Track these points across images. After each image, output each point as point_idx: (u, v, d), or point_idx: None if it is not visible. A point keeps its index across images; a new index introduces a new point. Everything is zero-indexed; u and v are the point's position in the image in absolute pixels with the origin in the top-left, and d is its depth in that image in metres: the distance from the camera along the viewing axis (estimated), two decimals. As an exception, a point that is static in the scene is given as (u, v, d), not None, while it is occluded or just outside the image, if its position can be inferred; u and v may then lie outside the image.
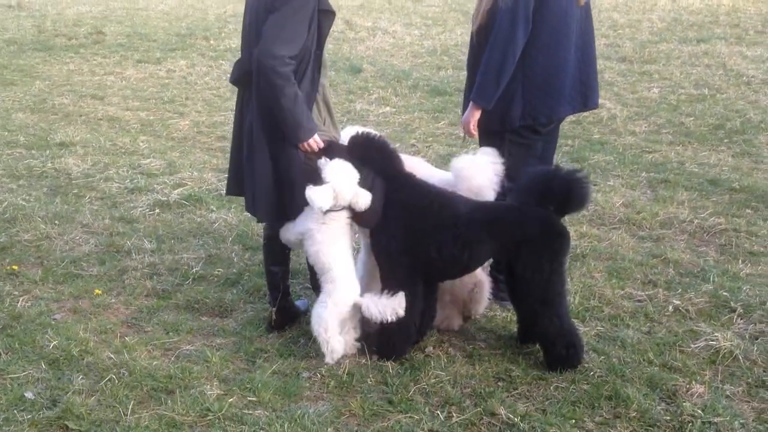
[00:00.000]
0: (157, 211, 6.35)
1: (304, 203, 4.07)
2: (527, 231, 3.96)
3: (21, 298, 4.81)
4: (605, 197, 6.51)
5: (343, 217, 4.12)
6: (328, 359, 4.10)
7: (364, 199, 4.02)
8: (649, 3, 17.00)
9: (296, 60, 3.96)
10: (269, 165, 4.12)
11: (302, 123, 4.02)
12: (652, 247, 5.59)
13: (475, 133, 4.58)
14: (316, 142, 4.10)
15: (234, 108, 4.44)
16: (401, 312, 3.95)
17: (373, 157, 4.09)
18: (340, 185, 3.96)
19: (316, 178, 4.05)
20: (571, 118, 8.91)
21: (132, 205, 6.47)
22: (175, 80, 11.47)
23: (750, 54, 11.76)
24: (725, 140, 8.05)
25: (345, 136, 4.30)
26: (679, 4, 16.68)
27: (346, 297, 4.10)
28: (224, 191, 4.87)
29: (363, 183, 4.04)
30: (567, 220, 5.86)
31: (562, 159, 7.52)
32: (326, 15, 4.08)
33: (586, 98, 4.70)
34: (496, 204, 4.22)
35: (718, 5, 16.35)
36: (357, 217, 4.13)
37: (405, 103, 9.97)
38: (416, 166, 4.48)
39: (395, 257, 4.09)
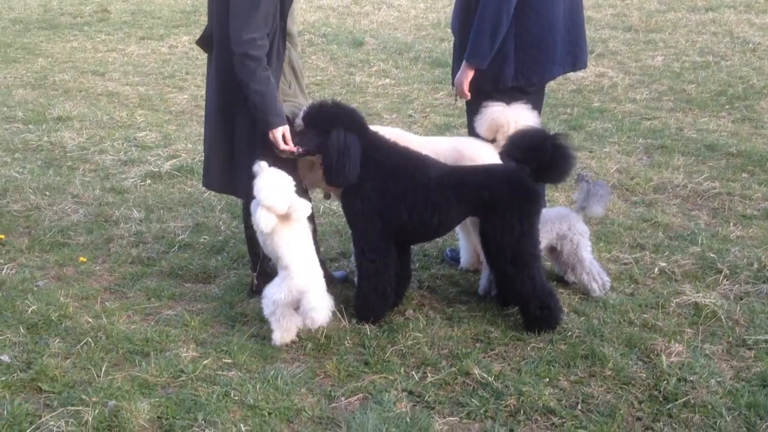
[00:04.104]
0: (149, 181, 6.35)
1: (248, 175, 4.03)
2: (495, 192, 3.91)
3: (6, 266, 4.82)
4: (600, 163, 6.44)
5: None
6: (277, 341, 3.94)
7: (302, 209, 3.86)
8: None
9: (269, 38, 3.95)
10: (222, 135, 4.14)
11: (273, 110, 3.98)
12: (644, 211, 5.53)
13: (469, 93, 4.52)
14: (284, 135, 4.05)
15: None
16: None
17: (343, 121, 4.01)
18: (271, 202, 3.79)
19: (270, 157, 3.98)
20: (571, 86, 8.88)
21: (124, 176, 6.47)
22: (176, 56, 11.46)
23: (758, 21, 11.56)
24: (726, 106, 7.94)
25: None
26: (690, -26, 16.40)
27: (299, 284, 3.91)
28: None
29: (334, 143, 3.96)
30: (559, 187, 5.84)
31: (559, 126, 7.45)
32: None
33: (575, 58, 4.62)
34: (467, 167, 4.17)
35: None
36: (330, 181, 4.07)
37: (405, 75, 9.90)
38: (402, 136, 4.44)
39: (369, 219, 4.05)
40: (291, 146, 4.03)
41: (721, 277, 4.49)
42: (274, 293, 3.92)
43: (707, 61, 9.65)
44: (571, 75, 9.17)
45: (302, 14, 13.49)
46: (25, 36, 12.96)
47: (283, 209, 3.82)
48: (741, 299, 4.28)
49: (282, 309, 3.90)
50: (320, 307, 3.86)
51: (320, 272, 4.02)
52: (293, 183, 3.88)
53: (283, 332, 3.94)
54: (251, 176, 4.06)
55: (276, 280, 3.99)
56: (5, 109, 8.57)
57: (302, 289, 3.88)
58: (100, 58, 11.36)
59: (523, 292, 3.93)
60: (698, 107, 7.95)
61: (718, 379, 3.56)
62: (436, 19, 13.25)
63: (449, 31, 12.14)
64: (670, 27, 11.60)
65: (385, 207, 4.00)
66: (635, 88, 8.77)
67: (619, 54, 10.28)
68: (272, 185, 3.82)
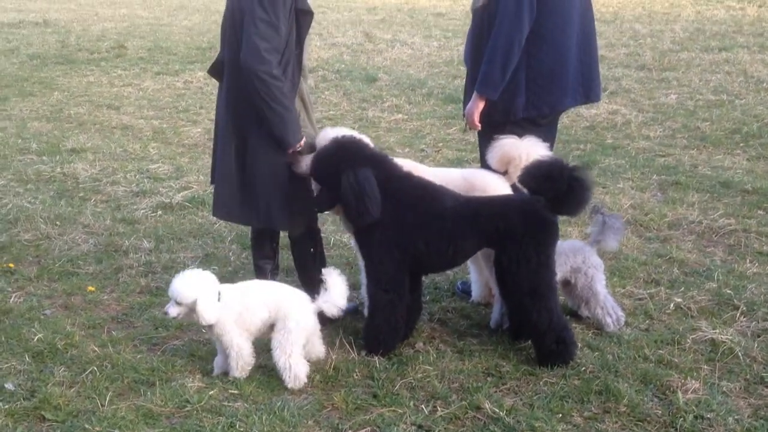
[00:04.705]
0: (159, 212, 6.34)
1: (266, 202, 4.11)
2: (511, 222, 3.86)
3: (14, 294, 4.80)
4: (613, 199, 6.38)
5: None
6: (292, 384, 3.81)
7: (206, 313, 3.73)
8: (673, 14, 16.83)
9: (284, 64, 3.97)
10: (234, 161, 4.14)
11: (293, 128, 4.04)
12: (658, 247, 5.45)
13: (479, 124, 4.49)
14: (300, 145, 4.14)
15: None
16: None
17: (349, 161, 3.96)
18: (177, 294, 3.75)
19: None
20: (584, 123, 8.86)
21: (135, 207, 6.46)
22: (191, 90, 11.53)
23: (772, 61, 11.57)
24: (741, 144, 7.88)
25: (323, 136, 4.23)
26: (704, 15, 16.50)
27: (305, 316, 3.88)
28: None
29: (347, 188, 3.91)
30: (572, 221, 5.79)
31: (572, 162, 7.38)
32: (304, 15, 4.06)
33: (588, 90, 4.58)
34: (483, 197, 4.12)
35: (742, 15, 16.14)
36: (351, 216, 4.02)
37: (418, 110, 9.92)
38: (414, 167, 4.41)
39: (386, 250, 4.00)
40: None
41: (738, 314, 4.40)
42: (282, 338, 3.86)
43: (721, 99, 9.62)
44: (584, 112, 9.18)
45: (316, 51, 13.60)
46: (42, 71, 13.10)
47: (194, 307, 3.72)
48: (758, 336, 4.19)
49: (297, 351, 3.84)
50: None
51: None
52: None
53: (298, 375, 3.85)
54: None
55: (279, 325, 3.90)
56: (20, 140, 8.62)
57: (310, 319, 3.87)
58: (115, 92, 11.45)
59: (538, 324, 3.86)
60: (712, 145, 7.90)
61: (736, 417, 3.46)
62: (449, 56, 13.32)
63: (462, 68, 12.21)
64: (683, 66, 11.60)
65: (402, 237, 3.96)
66: (649, 125, 8.74)
67: (633, 92, 10.28)
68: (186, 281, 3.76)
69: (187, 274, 3.80)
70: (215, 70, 4.29)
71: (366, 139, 4.21)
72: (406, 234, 3.97)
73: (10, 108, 10.38)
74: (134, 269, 5.23)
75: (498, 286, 4.08)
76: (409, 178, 4.08)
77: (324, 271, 3.96)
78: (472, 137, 8.23)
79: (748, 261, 5.14)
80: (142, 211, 6.35)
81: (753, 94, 9.83)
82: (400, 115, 9.63)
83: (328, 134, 4.19)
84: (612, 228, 4.33)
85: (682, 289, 4.75)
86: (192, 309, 3.73)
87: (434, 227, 3.95)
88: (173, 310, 3.74)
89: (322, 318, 4.07)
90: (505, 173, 4.35)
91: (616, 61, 12.12)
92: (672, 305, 4.54)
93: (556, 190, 3.85)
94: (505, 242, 3.89)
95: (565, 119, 8.48)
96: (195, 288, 3.73)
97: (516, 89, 4.38)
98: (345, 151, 4.00)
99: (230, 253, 5.50)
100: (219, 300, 3.78)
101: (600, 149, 7.92)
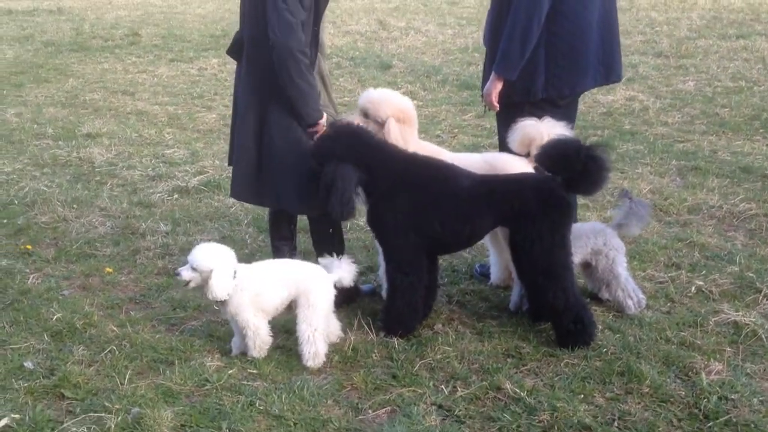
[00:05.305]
0: (176, 196, 6.33)
1: (283, 184, 4.07)
2: (525, 201, 3.82)
3: (32, 275, 4.81)
4: (632, 184, 6.32)
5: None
6: (311, 363, 3.78)
7: (218, 287, 3.71)
8: (689, 2, 16.67)
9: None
10: (252, 141, 4.12)
11: (315, 105, 4.04)
12: (678, 231, 5.40)
13: (497, 105, 4.44)
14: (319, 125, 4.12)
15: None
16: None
17: (338, 153, 3.89)
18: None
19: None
20: (601, 109, 8.80)
21: (151, 191, 6.46)
22: (205, 77, 11.52)
23: (791, 48, 11.44)
24: (761, 130, 7.79)
25: (365, 96, 4.25)
26: (720, 3, 16.33)
27: (327, 290, 3.87)
28: None
29: (324, 178, 3.87)
30: (591, 205, 5.74)
31: (589, 142, 7.33)
32: None
33: (609, 69, 4.50)
34: (498, 176, 4.08)
35: (760, 3, 15.98)
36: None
37: (433, 96, 9.87)
38: (435, 151, 4.38)
39: (402, 233, 3.96)
40: None
41: (761, 297, 4.35)
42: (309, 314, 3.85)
43: (740, 86, 9.52)
44: (601, 98, 9.11)
45: (330, 39, 13.55)
46: (57, 58, 13.12)
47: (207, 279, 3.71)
48: (782, 319, 4.14)
49: (321, 327, 3.83)
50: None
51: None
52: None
53: (318, 352, 3.83)
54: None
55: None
56: (35, 126, 8.63)
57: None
58: (130, 78, 11.45)
59: (555, 304, 3.82)
60: (732, 131, 7.81)
61: (761, 398, 3.42)
62: (464, 44, 13.25)
63: (477, 55, 12.20)
64: (701, 53, 11.49)
65: (418, 219, 3.92)
66: (667, 111, 8.66)
67: (650, 78, 10.19)
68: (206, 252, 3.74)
69: (209, 244, 3.79)
70: (234, 50, 4.26)
71: (407, 102, 4.27)
72: (421, 216, 3.93)
73: (25, 94, 10.40)
74: (151, 251, 5.23)
75: (514, 266, 4.04)
76: (417, 159, 4.03)
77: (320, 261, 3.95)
78: (488, 123, 8.20)
79: (770, 245, 5.08)
80: (158, 194, 6.34)
81: (772, 81, 9.73)
82: (415, 102, 9.45)
83: (371, 95, 4.18)
84: (637, 215, 4.27)
85: (704, 272, 4.70)
86: (205, 280, 3.71)
87: (450, 207, 3.91)
88: (186, 274, 3.70)
89: (340, 299, 4.06)
90: (527, 156, 4.31)
91: (633, 48, 12.01)
92: (693, 288, 4.49)
93: (571, 170, 3.80)
94: (520, 221, 3.85)
95: (582, 106, 8.37)
96: (214, 258, 3.71)
97: (536, 69, 4.32)
98: (338, 141, 3.93)
99: (247, 236, 5.48)
100: (234, 277, 3.76)
101: (618, 135, 7.85)
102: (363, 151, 3.92)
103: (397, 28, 15.00)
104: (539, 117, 4.30)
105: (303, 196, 4.19)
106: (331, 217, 3.95)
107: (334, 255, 3.98)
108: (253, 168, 4.17)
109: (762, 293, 4.38)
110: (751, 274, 4.60)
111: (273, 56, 3.89)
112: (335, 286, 3.92)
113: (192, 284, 3.74)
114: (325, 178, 3.86)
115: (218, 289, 3.70)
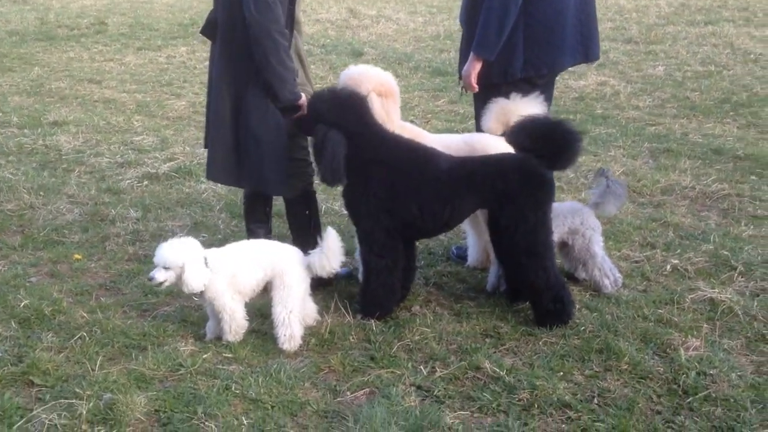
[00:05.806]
0: (146, 183, 6.22)
1: (260, 164, 3.97)
2: (507, 181, 3.78)
3: (-2, 263, 4.69)
4: (605, 166, 6.29)
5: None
6: (287, 345, 3.72)
7: (193, 280, 3.63)
8: (657, -11, 16.75)
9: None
10: (228, 121, 4.04)
11: (292, 86, 3.96)
12: (652, 212, 5.41)
13: (476, 86, 4.40)
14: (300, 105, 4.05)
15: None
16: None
17: (327, 117, 3.83)
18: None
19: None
20: (573, 94, 8.81)
21: (120, 177, 6.34)
22: (174, 65, 11.35)
23: (758, 34, 11.55)
24: (731, 113, 7.85)
25: (346, 74, 4.18)
26: (688, -10, 16.42)
27: (301, 271, 3.82)
28: None
29: (315, 142, 3.83)
30: (567, 189, 5.73)
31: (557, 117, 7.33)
32: None
33: (587, 48, 4.48)
34: (477, 157, 4.03)
35: (727, -10, 16.09)
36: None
37: (405, 83, 9.79)
38: (416, 132, 4.34)
39: (375, 217, 3.90)
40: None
41: (736, 274, 4.36)
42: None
43: (709, 70, 9.59)
44: (573, 83, 9.13)
45: (300, 26, 13.41)
46: (22, 47, 12.85)
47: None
48: (757, 295, 4.15)
49: (297, 310, 3.76)
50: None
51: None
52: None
53: (294, 335, 3.76)
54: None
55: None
56: (0, 114, 8.44)
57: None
58: (96, 67, 11.25)
59: (536, 283, 3.79)
60: (702, 114, 7.86)
61: (739, 373, 3.42)
62: (435, 31, 13.20)
63: (449, 42, 12.17)
64: (669, 39, 11.56)
65: (394, 203, 3.86)
66: (638, 95, 8.69)
67: (620, 64, 10.22)
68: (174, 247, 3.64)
69: (171, 241, 3.68)
70: (207, 30, 4.17)
71: (388, 76, 4.22)
72: (397, 199, 3.87)
73: (-11, 83, 10.19)
74: (121, 237, 5.12)
75: (493, 247, 4.00)
76: (399, 141, 3.98)
77: (326, 231, 3.84)
78: (461, 108, 8.17)
79: (743, 224, 5.10)
80: (127, 181, 6.22)
81: (741, 65, 9.80)
82: (387, 88, 9.50)
83: (351, 72, 4.11)
84: (614, 193, 4.26)
85: (678, 251, 4.71)
86: (179, 276, 3.62)
87: (429, 190, 3.85)
88: (160, 275, 3.60)
89: (316, 282, 3.99)
90: (502, 135, 4.27)
91: (603, 34, 11.99)
92: (669, 267, 4.49)
93: (553, 146, 3.77)
94: (502, 201, 3.81)
95: (555, 92, 8.40)
96: (182, 253, 3.62)
97: (514, 49, 4.29)
98: (332, 106, 3.86)
99: (219, 222, 5.40)
100: (206, 265, 3.68)
101: (590, 119, 7.86)
102: (351, 120, 3.85)
103: (368, 17, 14.90)
104: (518, 95, 4.28)
105: (282, 177, 4.12)
106: (322, 181, 3.89)
107: (331, 239, 3.81)
108: (229, 150, 4.09)
109: (737, 270, 4.40)
110: (725, 252, 4.62)
111: (250, 35, 3.81)
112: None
113: (167, 284, 3.65)
114: (314, 144, 3.80)
115: (194, 282, 3.62)
